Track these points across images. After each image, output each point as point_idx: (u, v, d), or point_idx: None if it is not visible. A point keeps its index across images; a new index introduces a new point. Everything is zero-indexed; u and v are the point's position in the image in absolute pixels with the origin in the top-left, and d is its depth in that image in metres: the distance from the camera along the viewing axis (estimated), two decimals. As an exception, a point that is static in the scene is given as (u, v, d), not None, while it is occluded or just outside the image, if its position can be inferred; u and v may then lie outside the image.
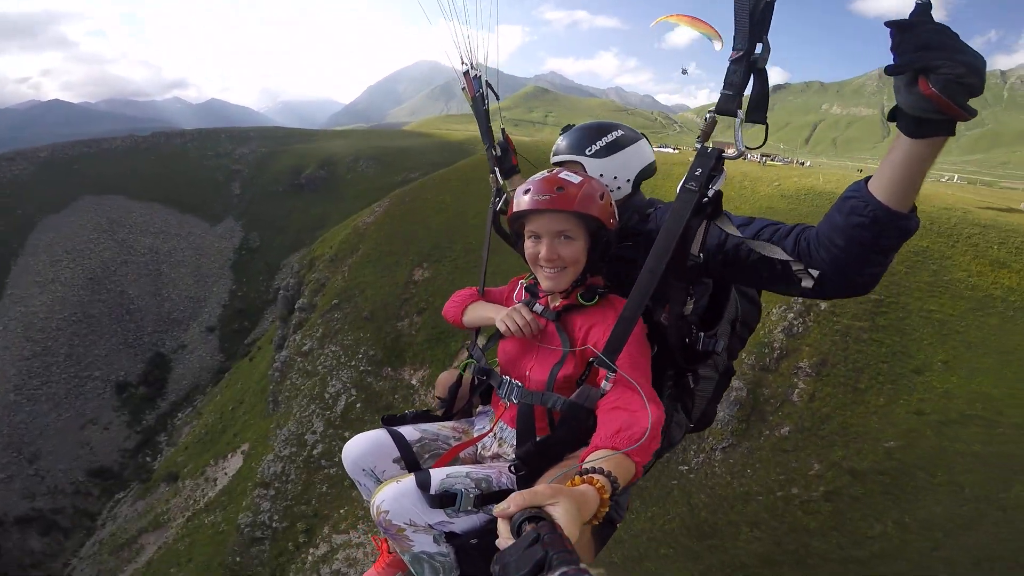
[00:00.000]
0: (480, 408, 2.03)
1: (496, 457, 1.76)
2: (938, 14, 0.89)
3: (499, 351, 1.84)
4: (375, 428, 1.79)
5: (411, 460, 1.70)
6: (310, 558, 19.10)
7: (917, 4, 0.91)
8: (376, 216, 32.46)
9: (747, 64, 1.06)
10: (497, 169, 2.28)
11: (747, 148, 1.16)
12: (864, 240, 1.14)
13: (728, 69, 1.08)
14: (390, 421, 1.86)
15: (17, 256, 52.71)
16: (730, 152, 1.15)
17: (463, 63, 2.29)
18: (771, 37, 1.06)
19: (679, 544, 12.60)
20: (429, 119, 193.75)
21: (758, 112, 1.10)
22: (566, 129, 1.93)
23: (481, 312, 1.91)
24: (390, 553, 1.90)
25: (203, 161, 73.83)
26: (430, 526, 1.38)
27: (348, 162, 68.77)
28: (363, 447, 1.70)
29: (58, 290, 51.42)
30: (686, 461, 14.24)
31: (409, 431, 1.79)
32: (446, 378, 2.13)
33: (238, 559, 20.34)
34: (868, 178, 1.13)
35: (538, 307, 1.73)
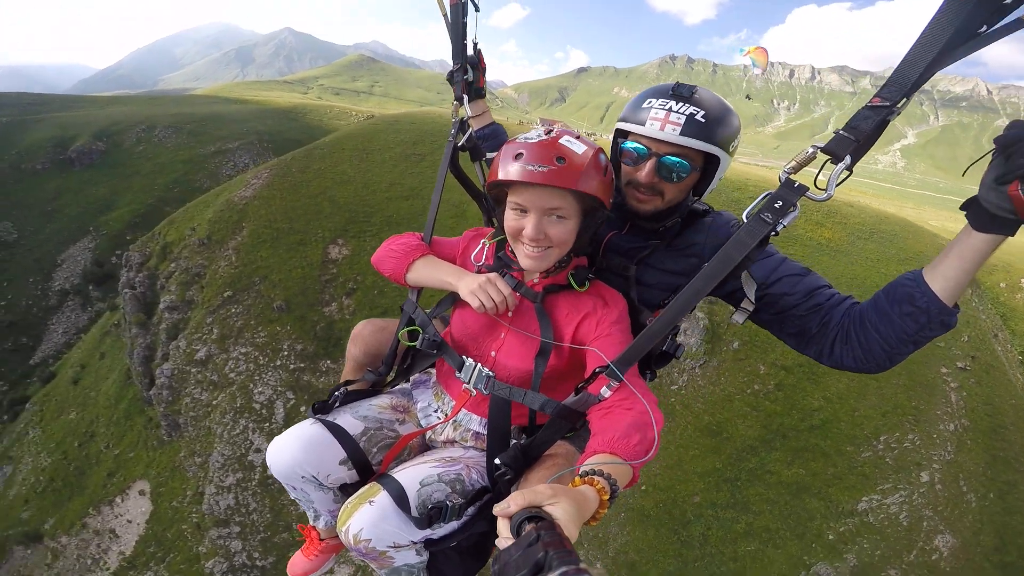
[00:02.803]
0: (416, 376, 1.76)
1: (451, 443, 1.59)
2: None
3: (455, 322, 1.59)
4: (303, 421, 1.52)
5: (361, 461, 1.48)
6: (328, 586, 16.86)
7: None
8: (255, 189, 27.19)
9: (884, 115, 1.00)
10: (465, 96, 1.89)
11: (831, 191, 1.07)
12: (908, 330, 1.16)
13: (859, 113, 1.03)
14: (322, 410, 1.57)
15: None
16: (819, 196, 1.07)
17: None
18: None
19: (699, 445, 15.40)
20: (226, 85, 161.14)
21: (860, 156, 1.06)
22: (685, 90, 1.40)
23: (434, 273, 1.58)
24: (322, 540, 1.73)
25: None
26: (414, 542, 1.27)
27: (139, 132, 55.77)
28: (297, 452, 1.42)
29: None
30: (674, 382, 17.00)
31: (350, 421, 1.53)
32: (368, 336, 1.79)
33: (239, 609, 16.79)
34: (922, 269, 1.16)
35: (510, 279, 1.49)
